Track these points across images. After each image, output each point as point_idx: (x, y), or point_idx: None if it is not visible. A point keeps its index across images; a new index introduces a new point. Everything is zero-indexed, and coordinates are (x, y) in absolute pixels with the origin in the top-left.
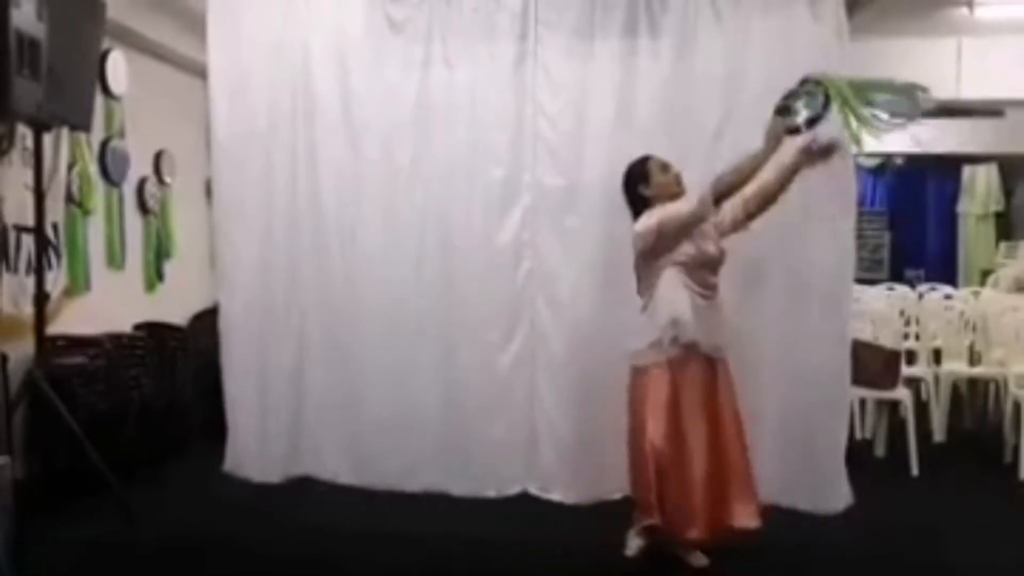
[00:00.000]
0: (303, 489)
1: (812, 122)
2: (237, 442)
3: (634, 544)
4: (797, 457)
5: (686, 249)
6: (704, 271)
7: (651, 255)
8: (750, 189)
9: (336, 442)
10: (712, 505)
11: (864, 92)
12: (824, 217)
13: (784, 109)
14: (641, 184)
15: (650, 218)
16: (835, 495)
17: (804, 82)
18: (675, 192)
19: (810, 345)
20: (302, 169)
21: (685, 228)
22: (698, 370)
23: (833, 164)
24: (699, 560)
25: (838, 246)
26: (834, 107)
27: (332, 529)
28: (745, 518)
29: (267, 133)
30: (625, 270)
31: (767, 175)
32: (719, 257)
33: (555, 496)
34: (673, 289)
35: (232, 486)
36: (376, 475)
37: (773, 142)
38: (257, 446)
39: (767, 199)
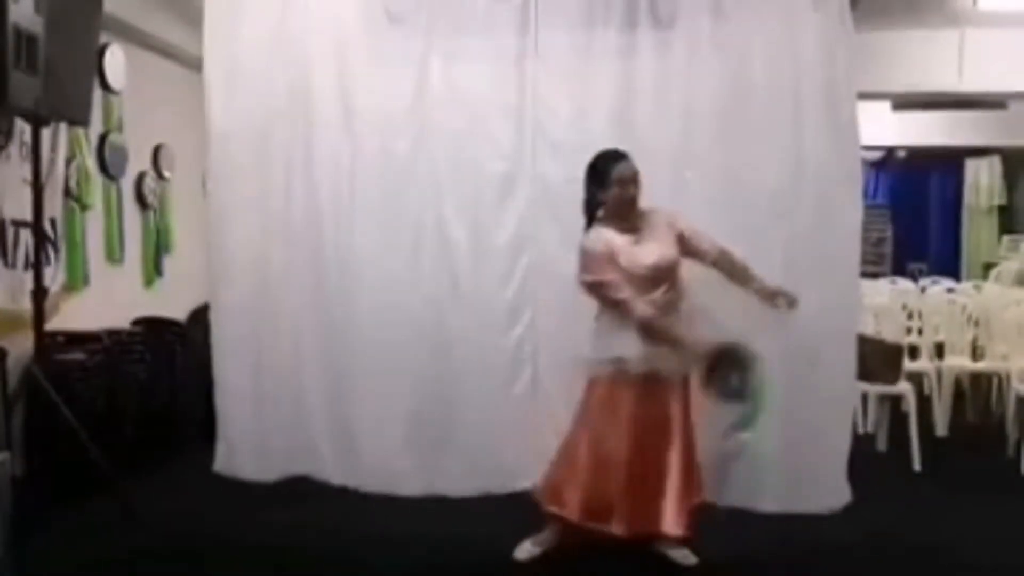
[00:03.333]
0: (300, 489)
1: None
2: (229, 441)
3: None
4: (800, 456)
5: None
6: (649, 287)
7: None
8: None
9: (331, 441)
10: (639, 505)
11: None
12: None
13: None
14: (597, 186)
15: (589, 254)
16: (836, 493)
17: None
18: (624, 213)
19: (814, 344)
20: (299, 162)
21: (610, 305)
22: (645, 384)
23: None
24: (688, 559)
25: (844, 242)
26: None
27: (328, 529)
28: (673, 525)
29: (263, 126)
30: None
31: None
32: (663, 268)
33: None
34: (619, 322)
35: (230, 483)
36: (372, 475)
37: (760, 295)
38: (252, 445)
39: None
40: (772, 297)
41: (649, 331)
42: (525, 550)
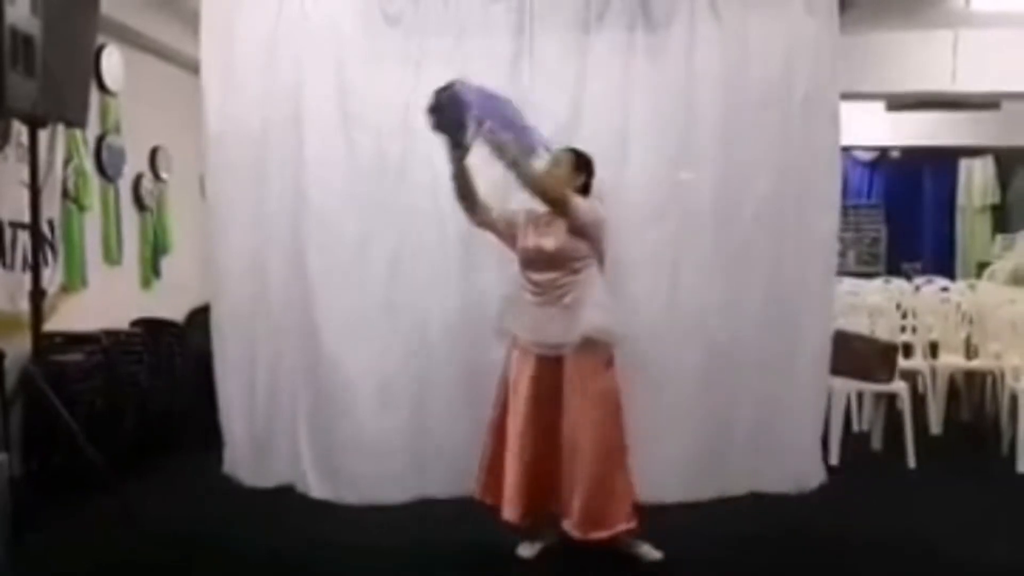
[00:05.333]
0: (291, 496)
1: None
2: (231, 445)
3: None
4: (775, 439)
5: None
6: (529, 269)
7: None
8: None
9: (321, 447)
10: (531, 498)
11: None
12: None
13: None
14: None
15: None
16: (811, 474)
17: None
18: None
19: (788, 329)
20: (295, 164)
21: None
22: (532, 365)
23: None
24: (651, 554)
25: (819, 234)
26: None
27: (321, 539)
28: (574, 525)
29: (260, 128)
30: (622, 263)
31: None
32: (535, 254)
33: None
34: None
35: (225, 487)
36: (362, 482)
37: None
38: (250, 450)
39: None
40: None
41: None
42: (527, 548)
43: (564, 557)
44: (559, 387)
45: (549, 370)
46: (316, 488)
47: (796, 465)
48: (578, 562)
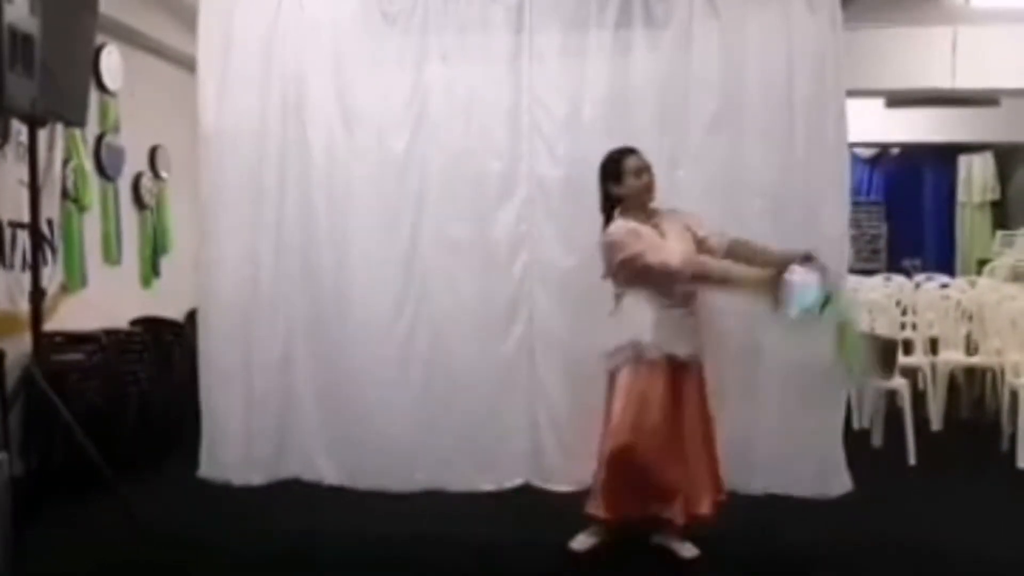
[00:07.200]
0: (291, 492)
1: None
2: (215, 445)
3: (583, 540)
4: (795, 445)
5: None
6: (673, 282)
7: (613, 275)
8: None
9: (325, 442)
10: (668, 496)
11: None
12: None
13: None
14: (612, 181)
15: (615, 239)
16: (834, 481)
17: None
18: (643, 200)
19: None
20: (292, 163)
21: (648, 277)
22: (663, 374)
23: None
24: (689, 551)
25: (829, 233)
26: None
27: (322, 538)
28: (703, 506)
29: (256, 126)
30: None
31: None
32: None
33: (558, 487)
34: (636, 304)
35: (226, 486)
36: (368, 474)
37: (782, 262)
38: (241, 448)
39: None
40: (789, 261)
41: (701, 277)
42: (580, 541)
43: (602, 555)
44: (684, 392)
45: (677, 377)
46: (329, 475)
47: (816, 469)
48: (605, 558)
